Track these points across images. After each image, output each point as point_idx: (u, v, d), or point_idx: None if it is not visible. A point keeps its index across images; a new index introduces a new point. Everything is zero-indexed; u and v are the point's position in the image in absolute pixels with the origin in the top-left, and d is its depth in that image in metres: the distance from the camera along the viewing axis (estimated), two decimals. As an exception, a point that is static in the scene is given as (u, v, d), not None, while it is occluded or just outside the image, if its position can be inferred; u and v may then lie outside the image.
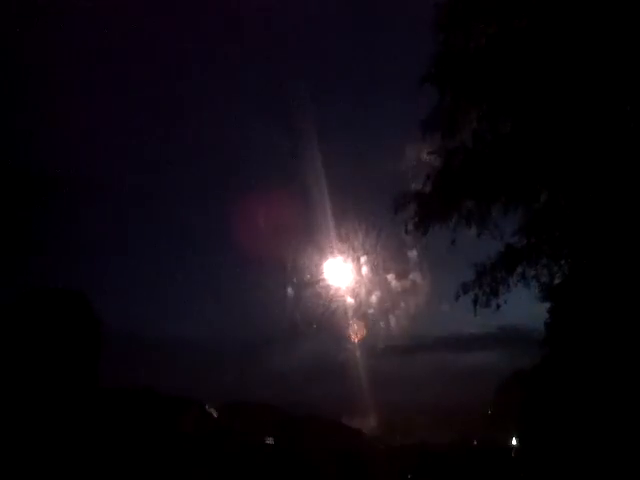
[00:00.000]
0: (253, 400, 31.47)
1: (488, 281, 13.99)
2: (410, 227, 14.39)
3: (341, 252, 28.41)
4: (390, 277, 29.10)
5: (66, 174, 25.28)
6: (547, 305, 14.71)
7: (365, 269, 28.58)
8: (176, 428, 24.15)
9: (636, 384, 11.49)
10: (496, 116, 12.87)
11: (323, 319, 29.32)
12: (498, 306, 14.14)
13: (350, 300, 29.00)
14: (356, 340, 30.00)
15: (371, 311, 29.56)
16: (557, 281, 13.99)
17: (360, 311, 29.22)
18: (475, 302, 14.07)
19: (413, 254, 28.30)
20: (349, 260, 28.51)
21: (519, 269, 13.85)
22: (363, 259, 28.44)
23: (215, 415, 27.64)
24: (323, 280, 28.65)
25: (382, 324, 29.94)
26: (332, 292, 28.76)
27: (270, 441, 29.60)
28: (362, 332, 29.69)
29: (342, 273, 28.55)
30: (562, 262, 13.77)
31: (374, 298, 29.29)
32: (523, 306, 16.97)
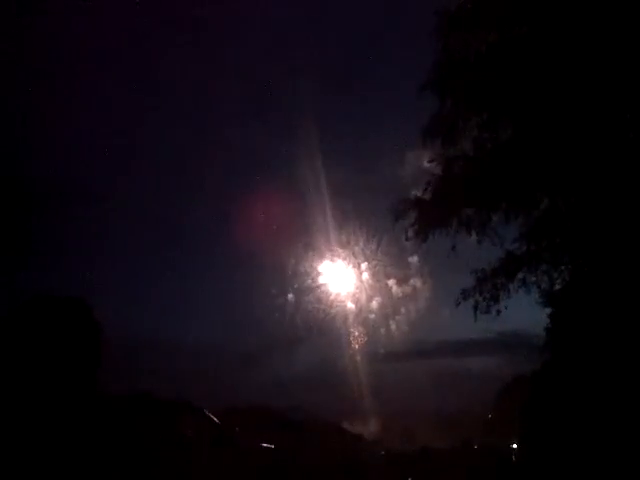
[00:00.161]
0: (253, 405, 31.44)
1: (488, 287, 14.02)
2: (410, 234, 14.43)
3: (342, 258, 28.46)
4: (391, 283, 29.14)
5: (63, 178, 25.37)
6: (547, 311, 14.74)
7: (366, 275, 28.63)
8: (176, 433, 24.12)
9: (637, 389, 11.51)
10: (496, 123, 12.92)
11: (324, 324, 29.36)
12: (498, 312, 14.17)
13: (351, 305, 29.04)
14: (357, 345, 30.02)
15: (372, 316, 29.59)
16: (557, 287, 14.02)
17: (361, 316, 29.26)
18: (475, 308, 14.10)
19: (414, 260, 28.36)
20: (350, 266, 28.56)
21: (519, 275, 13.89)
22: (364, 265, 28.50)
23: (215, 420, 27.58)
24: (324, 285, 28.69)
25: (383, 329, 29.97)
26: (333, 297, 28.80)
27: (270, 446, 29.54)
28: (363, 337, 29.71)
29: (343, 278, 28.60)
30: (562, 268, 13.81)
31: (375, 303, 29.33)
32: (523, 312, 17.01)
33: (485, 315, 14.11)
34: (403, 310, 30.01)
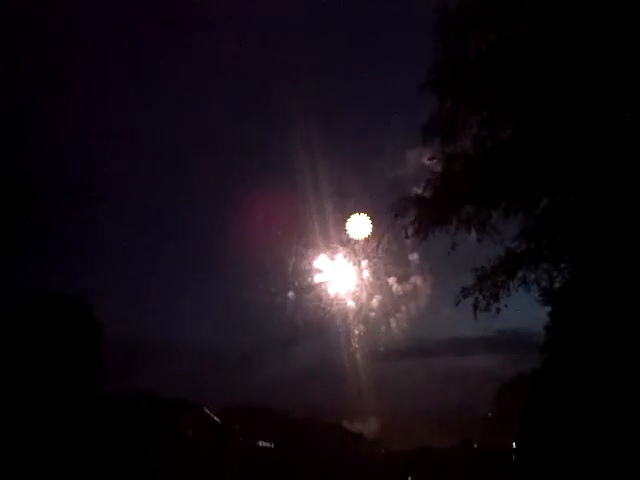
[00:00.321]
0: (253, 403, 31.44)
1: (488, 285, 14.00)
2: (410, 231, 14.43)
3: (342, 255, 28.45)
4: (391, 281, 29.12)
5: (64, 177, 25.33)
6: (547, 309, 14.74)
7: (366, 272, 28.62)
8: (176, 431, 24.14)
9: (636, 388, 11.51)
10: (496, 122, 12.92)
11: (323, 323, 29.35)
12: (498, 310, 14.16)
13: (351, 303, 29.03)
14: (357, 344, 30.02)
15: (372, 315, 29.57)
16: (557, 285, 14.02)
17: (361, 315, 29.24)
18: (475, 306, 14.08)
19: (414, 258, 28.36)
20: (350, 264, 28.56)
21: (519, 273, 13.87)
22: (364, 263, 28.48)
23: (215, 419, 27.59)
24: (324, 283, 28.68)
25: (383, 328, 29.95)
26: (333, 295, 28.79)
27: (270, 444, 29.57)
28: (363, 336, 29.71)
29: (343, 276, 28.59)
30: (562, 266, 13.80)
31: (375, 302, 29.31)
32: (523, 310, 16.99)
33: (485, 313, 14.11)
34: (403, 308, 30.01)
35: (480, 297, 14.01)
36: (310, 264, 28.65)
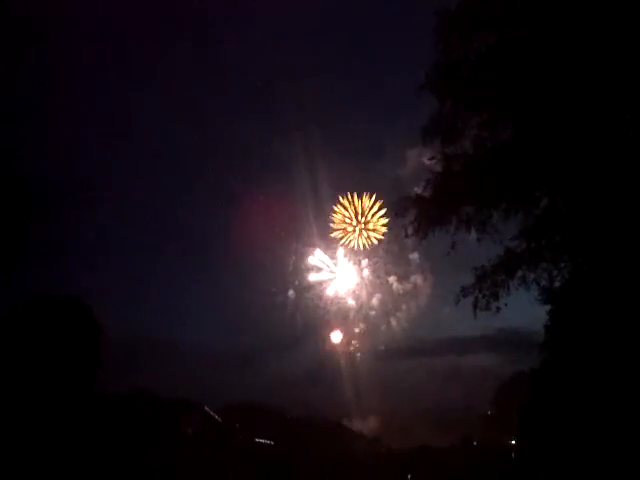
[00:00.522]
0: (253, 403, 31.49)
1: (488, 284, 14.07)
2: (410, 231, 14.52)
3: (343, 254, 28.55)
4: (391, 280, 29.20)
5: (64, 177, 25.32)
6: (547, 308, 14.78)
7: (366, 272, 28.72)
8: (177, 430, 24.19)
9: (635, 386, 11.57)
10: (496, 123, 12.98)
11: (324, 321, 29.44)
12: (498, 309, 14.24)
13: (351, 302, 29.12)
14: (357, 342, 30.11)
15: (372, 313, 29.65)
16: (557, 284, 14.07)
17: (361, 313, 29.34)
18: (475, 305, 14.16)
19: (414, 257, 28.47)
20: (351, 263, 28.66)
21: (519, 273, 13.94)
22: (364, 262, 28.59)
23: (216, 417, 27.65)
24: (324, 282, 28.77)
25: (383, 326, 30.02)
26: (333, 294, 28.89)
27: (270, 442, 29.63)
28: (363, 334, 29.79)
29: (343, 275, 28.70)
30: (562, 266, 13.86)
31: (375, 301, 29.40)
32: (523, 309, 17.05)
33: (485, 312, 14.18)
34: (404, 307, 30.06)
35: (480, 296, 14.09)
36: (311, 263, 28.76)
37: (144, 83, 29.52)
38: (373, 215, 27.62)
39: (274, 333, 32.21)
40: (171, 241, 34.01)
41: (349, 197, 27.81)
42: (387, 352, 31.62)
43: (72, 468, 15.44)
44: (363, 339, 29.99)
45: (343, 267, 28.57)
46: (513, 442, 26.11)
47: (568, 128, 11.79)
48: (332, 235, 27.90)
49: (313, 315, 29.38)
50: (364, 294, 28.98)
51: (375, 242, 27.39)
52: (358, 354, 30.33)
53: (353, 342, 30.02)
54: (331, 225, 27.68)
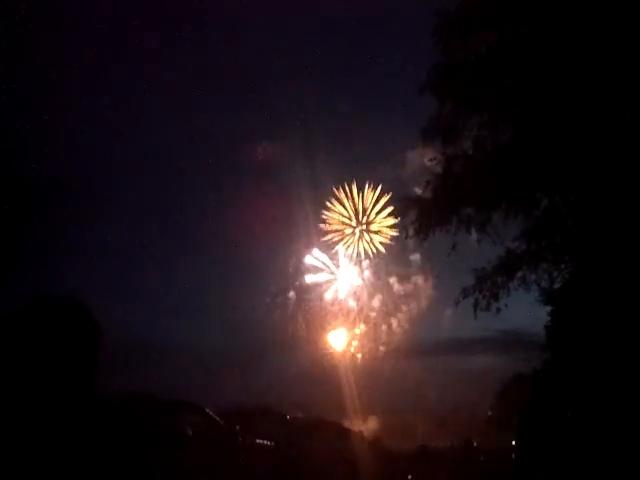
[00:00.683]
0: (254, 404, 31.49)
1: (488, 285, 14.09)
2: (411, 232, 14.54)
3: (343, 255, 28.58)
4: (392, 281, 29.24)
5: (64, 177, 25.33)
6: (548, 309, 14.77)
7: (367, 272, 28.75)
8: (177, 431, 24.14)
9: (637, 388, 11.54)
10: (496, 123, 12.98)
11: (324, 322, 29.47)
12: (498, 310, 14.27)
13: (352, 303, 29.16)
14: (357, 343, 30.12)
15: (373, 314, 29.69)
16: (558, 285, 14.07)
17: (362, 314, 29.37)
18: (475, 306, 14.19)
19: (415, 258, 28.50)
20: (351, 264, 28.70)
21: (519, 273, 13.96)
22: (365, 263, 28.62)
23: (216, 419, 27.64)
24: (325, 283, 28.79)
25: (384, 327, 30.06)
26: (334, 295, 28.91)
27: (270, 443, 29.57)
28: (363, 335, 29.81)
29: (344, 277, 28.74)
30: (562, 267, 13.87)
31: (376, 301, 29.43)
32: (524, 310, 17.06)
33: (485, 313, 14.21)
34: (404, 308, 30.11)
35: (480, 297, 14.12)
36: (311, 264, 28.80)
37: (144, 83, 29.51)
38: (377, 213, 25.42)
39: (274, 334, 32.25)
40: (171, 241, 34.05)
41: (347, 190, 25.30)
42: (387, 353, 31.68)
43: (71, 470, 15.45)
44: (364, 340, 30.02)
45: (344, 268, 28.62)
46: (514, 444, 26.08)
47: (568, 129, 11.78)
48: (326, 238, 26.01)
49: (313, 316, 29.42)
50: (365, 295, 29.04)
51: (380, 247, 24.67)
52: (359, 355, 30.35)
53: (353, 343, 30.03)
54: (325, 226, 26.14)
